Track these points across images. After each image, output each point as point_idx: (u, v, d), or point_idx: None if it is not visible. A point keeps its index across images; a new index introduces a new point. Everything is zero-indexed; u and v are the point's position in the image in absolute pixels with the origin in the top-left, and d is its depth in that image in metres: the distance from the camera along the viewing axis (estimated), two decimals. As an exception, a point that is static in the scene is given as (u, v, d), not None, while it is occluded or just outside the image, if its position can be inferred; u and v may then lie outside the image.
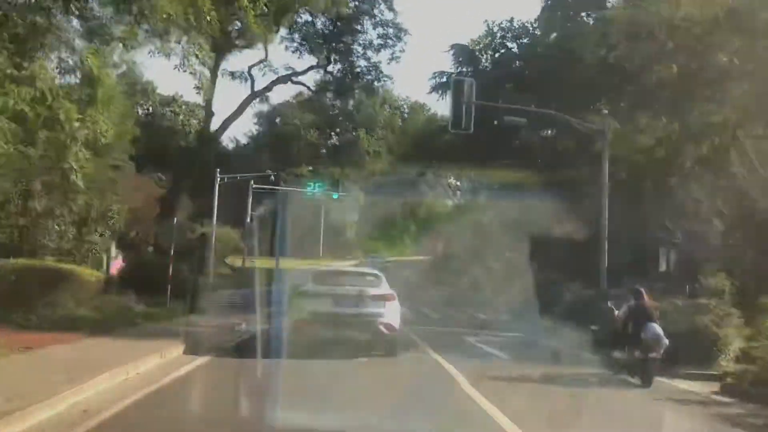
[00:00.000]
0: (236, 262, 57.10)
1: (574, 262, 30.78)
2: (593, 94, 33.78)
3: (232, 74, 35.47)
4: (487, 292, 34.83)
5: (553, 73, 35.94)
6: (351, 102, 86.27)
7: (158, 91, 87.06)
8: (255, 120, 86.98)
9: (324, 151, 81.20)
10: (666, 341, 11.61)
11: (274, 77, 37.46)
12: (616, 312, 12.91)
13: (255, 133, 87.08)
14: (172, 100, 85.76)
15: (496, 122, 23.91)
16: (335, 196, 44.06)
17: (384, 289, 14.35)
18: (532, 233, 39.59)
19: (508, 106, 19.76)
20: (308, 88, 35.33)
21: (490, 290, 35.35)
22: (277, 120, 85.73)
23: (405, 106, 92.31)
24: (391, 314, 13.68)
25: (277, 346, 13.53)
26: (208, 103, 32.22)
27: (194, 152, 39.85)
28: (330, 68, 34.85)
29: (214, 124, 39.56)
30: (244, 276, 40.65)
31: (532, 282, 24.34)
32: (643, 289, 12.76)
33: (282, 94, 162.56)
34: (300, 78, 36.71)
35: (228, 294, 31.61)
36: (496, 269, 48.13)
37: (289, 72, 35.11)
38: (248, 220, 39.36)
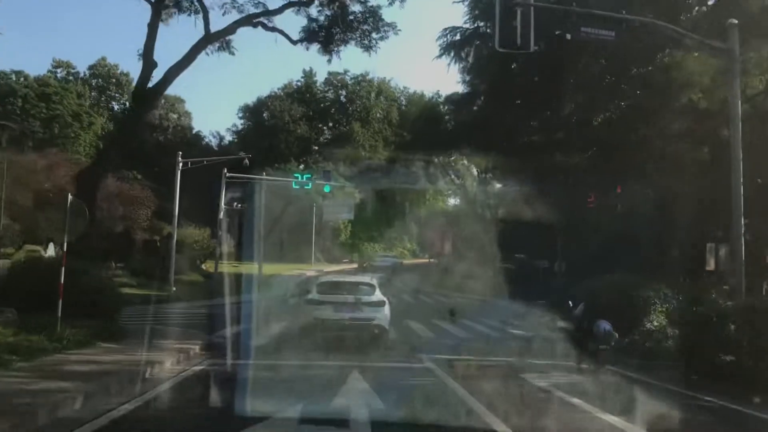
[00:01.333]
0: (227, 267, 50.68)
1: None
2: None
3: (178, 5, 25.78)
4: (518, 301, 28.46)
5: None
6: (344, 92, 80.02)
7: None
8: (240, 114, 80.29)
9: (316, 148, 74.44)
10: (616, 335, 13.12)
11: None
12: (575, 311, 14.12)
13: (239, 128, 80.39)
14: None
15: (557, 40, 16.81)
16: (327, 189, 37.45)
17: (377, 296, 16.02)
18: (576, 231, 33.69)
19: (585, 11, 12.85)
20: (285, 36, 25.09)
21: (522, 297, 28.92)
22: (264, 114, 78.94)
23: (402, 98, 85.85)
24: (383, 318, 15.61)
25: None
26: (148, 50, 23.12)
27: (129, 117, 32.15)
28: (314, 10, 25.69)
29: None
30: (220, 285, 34.09)
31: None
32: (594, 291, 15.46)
33: (269, 82, 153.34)
34: (275, 21, 26.47)
35: (186, 308, 25.12)
36: (523, 271, 42.12)
37: (260, 10, 26.25)
38: (220, 215, 32.78)
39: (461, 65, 35.98)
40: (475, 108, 38.17)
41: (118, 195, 37.23)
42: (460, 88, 43.72)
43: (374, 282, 17.35)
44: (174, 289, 31.92)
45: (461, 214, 55.92)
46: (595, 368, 12.75)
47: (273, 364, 12.63)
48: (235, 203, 34.89)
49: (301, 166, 66.52)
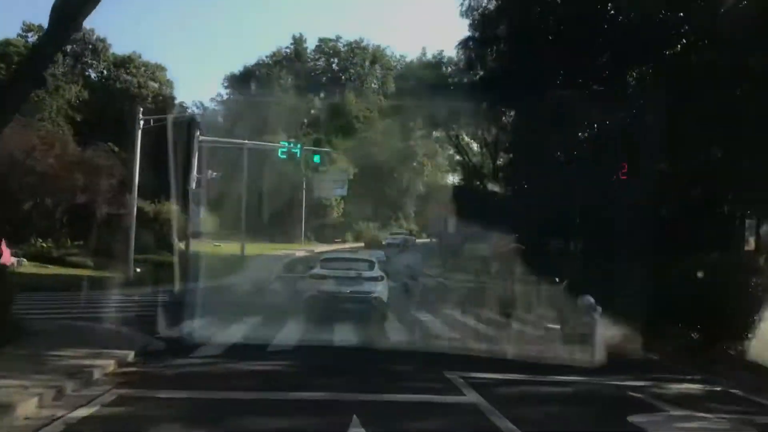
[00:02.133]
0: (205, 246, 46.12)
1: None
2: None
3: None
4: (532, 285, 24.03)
5: None
6: (336, 60, 74.93)
7: (112, 50, 75.27)
8: (225, 84, 75.08)
9: (305, 120, 69.39)
10: (599, 309, 12.74)
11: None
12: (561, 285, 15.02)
13: (224, 97, 75.21)
14: (128, 60, 73.76)
15: None
16: (317, 159, 32.73)
17: (376, 272, 16.79)
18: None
19: None
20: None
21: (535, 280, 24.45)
22: (252, 84, 73.69)
23: (399, 67, 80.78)
24: (382, 291, 16.26)
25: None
26: None
27: (43, 39, 28.21)
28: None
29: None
30: (193, 267, 29.60)
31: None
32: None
33: (256, 50, 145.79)
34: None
35: (143, 294, 20.73)
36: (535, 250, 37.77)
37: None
38: (191, 185, 27.97)
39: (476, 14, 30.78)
40: (490, 60, 33.33)
41: (79, 163, 32.37)
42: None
43: (373, 259, 18.49)
44: (138, 270, 27.24)
45: (464, 190, 51.36)
46: (577, 339, 12.96)
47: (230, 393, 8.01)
48: (210, 172, 30.11)
49: (291, 139, 61.71)
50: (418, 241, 62.19)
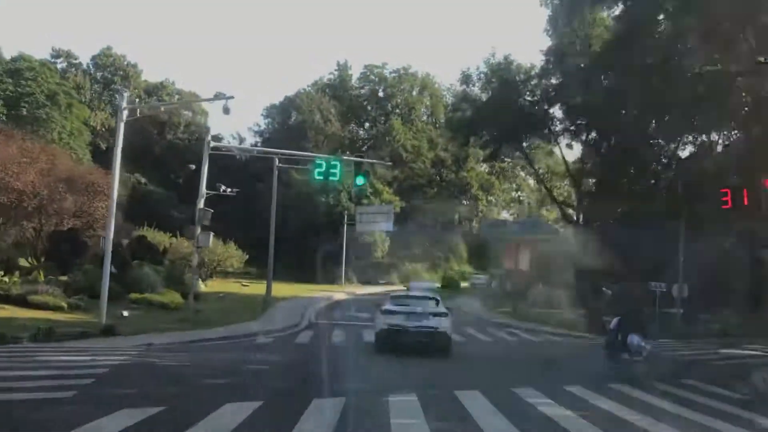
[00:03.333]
0: (229, 285, 39.91)
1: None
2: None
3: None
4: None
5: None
6: (382, 87, 69.03)
7: (144, 77, 71.12)
8: (264, 114, 69.85)
9: (348, 151, 63.30)
10: (648, 347, 13.72)
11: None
12: (610, 324, 14.75)
13: (263, 127, 69.92)
14: (160, 87, 69.32)
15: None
16: (360, 181, 25.91)
17: (441, 308, 17.71)
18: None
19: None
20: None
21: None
22: (292, 113, 68.16)
23: (448, 96, 74.60)
24: (447, 326, 17.09)
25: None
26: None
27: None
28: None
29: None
30: (198, 311, 23.19)
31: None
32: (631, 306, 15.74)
33: (298, 83, 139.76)
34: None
35: (103, 351, 14.23)
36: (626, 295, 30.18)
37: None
38: (200, 203, 21.46)
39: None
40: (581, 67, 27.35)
41: (66, 180, 26.35)
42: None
43: (438, 297, 19.21)
44: (125, 314, 20.71)
45: (533, 225, 44.32)
46: (628, 378, 12.24)
47: None
48: (223, 188, 23.55)
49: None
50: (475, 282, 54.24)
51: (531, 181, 76.59)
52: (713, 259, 31.05)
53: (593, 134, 31.81)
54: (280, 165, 57.28)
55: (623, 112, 30.63)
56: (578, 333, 24.78)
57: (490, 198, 67.04)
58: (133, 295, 23.99)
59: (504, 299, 39.89)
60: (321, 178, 30.49)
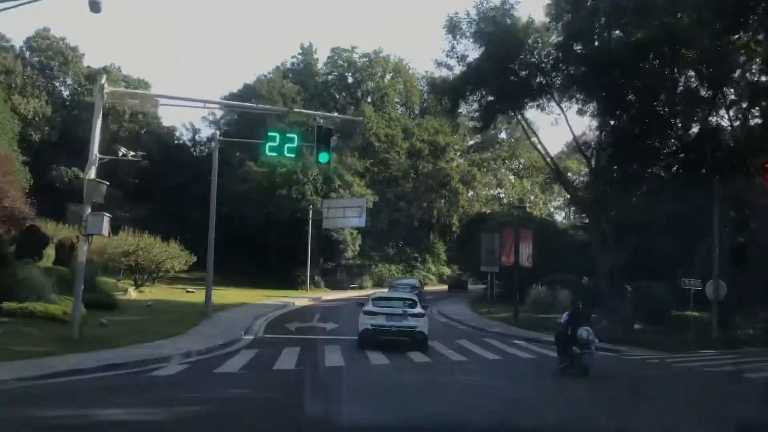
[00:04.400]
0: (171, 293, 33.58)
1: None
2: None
3: None
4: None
5: None
6: (351, 72, 62.84)
7: (86, 62, 63.99)
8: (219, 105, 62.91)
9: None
10: (596, 340, 14.01)
11: None
12: (561, 318, 15.13)
13: (218, 117, 63.28)
14: (103, 72, 61.85)
15: None
16: (324, 158, 19.23)
17: (418, 309, 18.89)
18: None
19: None
20: None
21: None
22: (252, 101, 61.45)
23: (423, 83, 68.76)
24: (423, 326, 18.40)
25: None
26: None
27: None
28: None
29: None
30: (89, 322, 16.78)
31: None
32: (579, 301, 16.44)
33: (258, 68, 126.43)
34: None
35: None
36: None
37: None
38: (90, 171, 14.99)
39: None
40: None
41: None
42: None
43: (416, 298, 20.92)
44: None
45: (531, 219, 38.69)
46: (578, 372, 13.39)
47: None
48: (123, 151, 17.00)
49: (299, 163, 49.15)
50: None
51: (512, 177, 71.27)
52: (755, 251, 25.64)
53: (604, 100, 25.97)
54: (239, 154, 50.79)
55: (643, 65, 25.05)
56: (610, 346, 18.96)
57: (471, 193, 61.18)
58: (7, 305, 17.47)
59: (498, 302, 34.31)
60: (274, 153, 24.27)
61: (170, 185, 59.27)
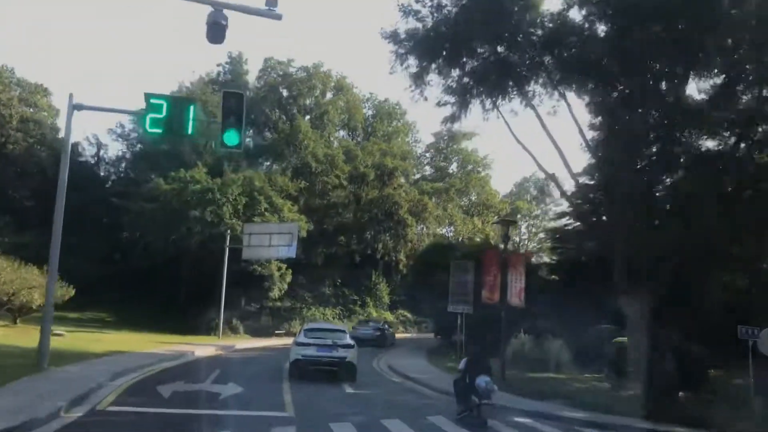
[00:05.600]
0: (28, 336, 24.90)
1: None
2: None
3: None
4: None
5: None
6: (285, 86, 55.31)
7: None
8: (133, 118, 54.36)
9: (238, 159, 49.12)
10: (496, 389, 13.30)
11: None
12: (459, 365, 14.65)
13: (126, 129, 54.71)
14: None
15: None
16: (233, 140, 11.12)
17: (348, 340, 19.91)
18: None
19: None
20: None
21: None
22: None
23: (369, 107, 61.95)
24: (352, 356, 19.29)
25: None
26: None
27: None
28: None
29: None
30: None
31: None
32: (479, 347, 15.66)
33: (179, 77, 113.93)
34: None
35: None
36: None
37: None
38: None
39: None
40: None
41: None
42: None
43: (345, 329, 22.55)
44: None
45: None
46: (477, 422, 12.80)
47: None
48: None
49: (218, 180, 40.89)
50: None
51: (462, 215, 64.74)
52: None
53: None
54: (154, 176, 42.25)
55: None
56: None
57: (420, 227, 53.74)
58: None
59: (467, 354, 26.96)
60: (159, 131, 16.64)
61: (67, 208, 50.11)
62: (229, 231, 37.88)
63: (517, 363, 22.56)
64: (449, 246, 35.76)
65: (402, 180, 52.71)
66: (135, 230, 41.29)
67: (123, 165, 56.84)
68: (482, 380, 12.96)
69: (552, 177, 23.67)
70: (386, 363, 24.87)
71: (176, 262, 42.03)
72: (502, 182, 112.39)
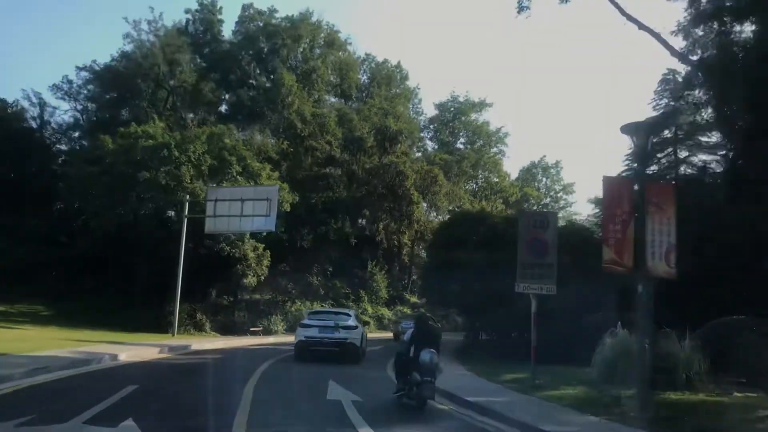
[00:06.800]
0: None
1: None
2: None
3: None
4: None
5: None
6: (265, 37, 46.77)
7: None
8: (83, 68, 45.86)
9: (212, 114, 40.74)
10: (441, 367, 11.86)
11: None
12: (404, 336, 13.27)
13: (75, 86, 46.15)
14: None
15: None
16: None
17: (352, 322, 20.23)
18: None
19: None
20: None
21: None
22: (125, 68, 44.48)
23: (366, 69, 53.68)
24: (355, 338, 19.52)
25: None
26: None
27: None
28: None
29: None
30: None
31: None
32: (428, 315, 13.67)
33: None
34: None
35: None
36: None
37: None
38: None
39: None
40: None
41: None
42: None
43: (351, 312, 22.13)
44: None
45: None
46: (416, 403, 11.30)
47: None
48: None
49: (176, 134, 32.49)
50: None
51: (468, 197, 56.52)
52: None
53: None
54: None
55: None
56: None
57: (427, 207, 45.35)
58: None
59: (493, 352, 19.54)
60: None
61: (6, 180, 41.73)
62: (188, 197, 29.36)
63: (610, 373, 14.39)
64: (481, 216, 27.43)
65: (407, 146, 44.42)
66: (72, 200, 33.03)
67: (76, 132, 48.17)
68: (427, 354, 11.36)
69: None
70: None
71: (132, 245, 33.72)
72: (508, 166, 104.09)
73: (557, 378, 14.99)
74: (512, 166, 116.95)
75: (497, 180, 63.45)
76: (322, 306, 37.86)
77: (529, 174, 74.78)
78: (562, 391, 13.73)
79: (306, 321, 20.60)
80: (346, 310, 23.37)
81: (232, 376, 14.81)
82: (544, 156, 75.78)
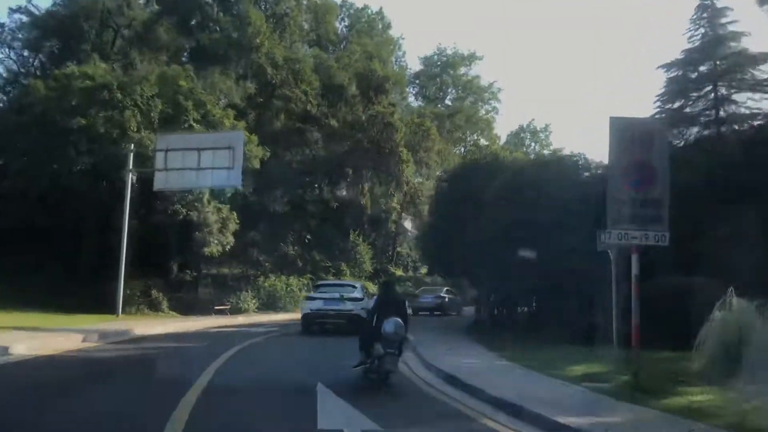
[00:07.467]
0: None
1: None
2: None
3: None
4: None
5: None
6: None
7: None
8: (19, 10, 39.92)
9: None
10: (408, 337, 11.23)
11: None
12: (369, 305, 13.46)
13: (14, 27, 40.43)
14: None
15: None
16: None
17: (357, 293, 20.90)
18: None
19: None
20: None
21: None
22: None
23: (345, 16, 48.38)
24: (360, 309, 18.87)
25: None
26: None
27: None
28: None
29: None
30: None
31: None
32: (393, 281, 14.85)
33: None
34: None
35: None
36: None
37: None
38: None
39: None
40: None
41: None
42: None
43: (357, 284, 22.93)
44: None
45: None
46: (377, 377, 10.45)
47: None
48: None
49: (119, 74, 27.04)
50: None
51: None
52: None
53: None
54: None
55: None
56: None
57: (417, 160, 40.12)
58: None
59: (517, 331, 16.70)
60: None
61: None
62: (133, 147, 24.07)
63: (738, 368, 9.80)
64: (497, 164, 22.68)
65: (395, 96, 39.36)
66: (11, 160, 27.70)
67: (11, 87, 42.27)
68: (390, 324, 10.21)
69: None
70: (430, 362, 12.07)
71: (76, 211, 28.45)
72: (499, 129, 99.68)
73: (655, 370, 10.33)
74: (501, 129, 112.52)
75: (487, 143, 59.06)
76: (329, 279, 35.15)
77: (517, 138, 70.78)
78: (686, 397, 8.92)
79: (312, 294, 21.80)
80: (352, 282, 24.20)
81: (167, 379, 9.96)
82: (533, 120, 72.08)
